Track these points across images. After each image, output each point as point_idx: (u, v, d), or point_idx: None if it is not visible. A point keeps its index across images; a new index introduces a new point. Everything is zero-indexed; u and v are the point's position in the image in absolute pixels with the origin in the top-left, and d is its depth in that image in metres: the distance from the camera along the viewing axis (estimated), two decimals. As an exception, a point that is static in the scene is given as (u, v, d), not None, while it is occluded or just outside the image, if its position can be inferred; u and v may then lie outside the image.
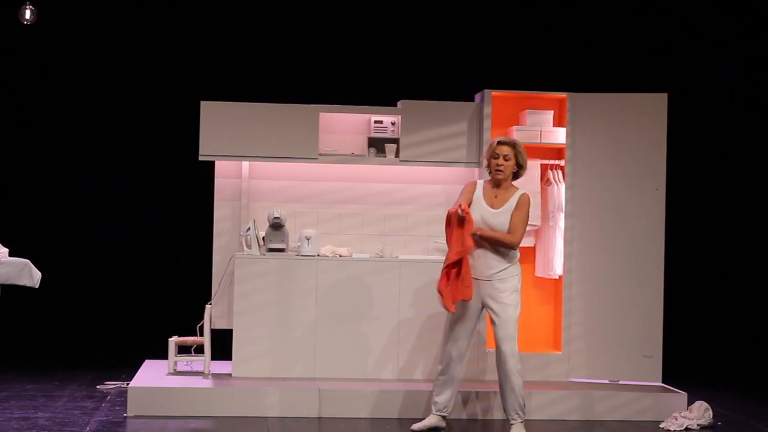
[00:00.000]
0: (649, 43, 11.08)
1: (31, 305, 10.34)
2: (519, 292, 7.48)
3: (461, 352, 7.57)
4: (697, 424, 7.92)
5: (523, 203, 7.43)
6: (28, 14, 9.24)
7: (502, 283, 7.42)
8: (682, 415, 7.99)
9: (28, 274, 7.13)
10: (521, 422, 7.46)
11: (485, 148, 8.38)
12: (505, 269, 7.43)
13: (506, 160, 7.45)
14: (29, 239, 9.58)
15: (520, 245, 8.81)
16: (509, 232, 7.39)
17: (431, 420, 7.62)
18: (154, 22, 10.74)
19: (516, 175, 7.53)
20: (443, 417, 7.64)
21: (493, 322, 7.48)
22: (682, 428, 7.88)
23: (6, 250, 7.16)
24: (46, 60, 10.82)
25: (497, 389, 7.87)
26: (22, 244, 7.99)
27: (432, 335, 8.54)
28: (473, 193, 7.53)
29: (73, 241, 10.89)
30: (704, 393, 8.70)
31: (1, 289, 7.17)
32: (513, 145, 7.47)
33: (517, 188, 7.50)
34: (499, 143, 7.48)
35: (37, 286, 7.21)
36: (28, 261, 7.16)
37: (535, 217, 8.85)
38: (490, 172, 7.54)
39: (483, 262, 7.44)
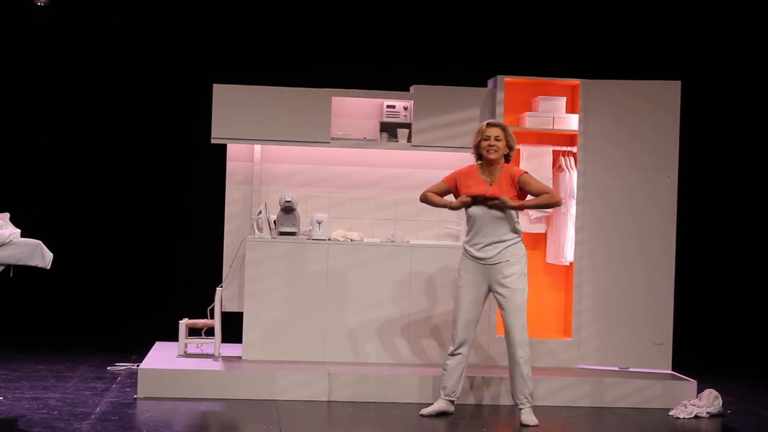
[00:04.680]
0: (663, 29, 11.03)
1: (43, 286, 10.37)
2: (526, 276, 7.50)
3: (469, 336, 7.58)
4: (707, 412, 7.91)
5: (528, 179, 7.44)
6: (42, -4, 9.23)
7: (509, 268, 7.42)
8: (692, 402, 7.99)
9: (39, 255, 7.13)
10: (530, 407, 7.47)
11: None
12: (511, 245, 7.42)
13: (497, 140, 7.47)
14: (41, 220, 9.61)
15: (526, 232, 8.91)
16: (544, 192, 7.42)
17: (439, 405, 7.64)
18: (166, 5, 10.74)
19: (507, 157, 7.53)
20: (452, 402, 7.65)
21: (501, 308, 7.50)
22: (692, 416, 7.87)
23: (18, 231, 7.17)
24: (59, 44, 10.82)
25: (506, 375, 7.90)
26: (34, 225, 8.01)
27: (442, 320, 8.55)
28: (456, 180, 7.61)
29: (85, 223, 10.91)
30: (714, 381, 8.70)
31: (12, 270, 7.19)
32: (502, 127, 7.53)
33: (508, 169, 7.50)
34: (489, 125, 7.53)
35: (48, 267, 7.21)
36: (40, 242, 7.17)
37: (546, 204, 8.85)
38: (479, 157, 7.54)
39: (490, 237, 7.44)
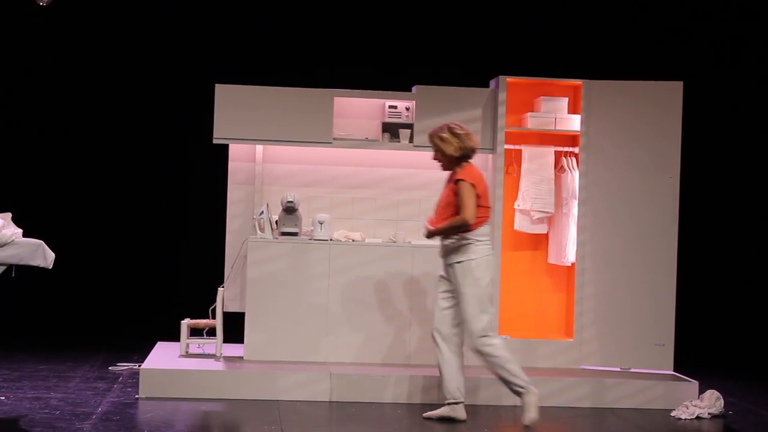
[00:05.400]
0: (665, 30, 11.03)
1: (45, 286, 10.37)
2: (479, 277, 7.31)
3: (443, 327, 7.49)
4: (708, 413, 7.91)
5: (459, 190, 7.32)
6: (44, -4, 9.22)
7: (456, 269, 7.36)
8: (693, 403, 7.98)
9: (41, 254, 7.13)
10: (527, 391, 7.33)
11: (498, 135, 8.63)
12: (459, 246, 7.33)
13: (436, 153, 7.49)
14: (41, 220, 9.60)
15: (528, 233, 8.91)
16: (458, 213, 7.33)
17: (440, 410, 7.54)
18: (166, 5, 10.74)
19: (460, 158, 7.41)
20: (454, 405, 7.50)
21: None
22: (693, 417, 7.87)
23: (20, 231, 7.16)
24: (59, 44, 10.82)
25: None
26: (35, 225, 8.00)
27: (444, 321, 8.54)
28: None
29: (86, 223, 10.91)
30: (716, 382, 8.69)
31: (14, 270, 7.18)
32: (430, 138, 7.51)
33: (457, 174, 7.40)
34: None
35: (50, 267, 7.21)
36: (42, 242, 7.17)
37: (548, 204, 8.85)
38: None
39: (443, 240, 7.45)
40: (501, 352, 7.37)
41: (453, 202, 7.36)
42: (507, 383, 7.41)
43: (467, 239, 7.35)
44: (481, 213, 7.35)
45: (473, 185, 7.32)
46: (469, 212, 7.26)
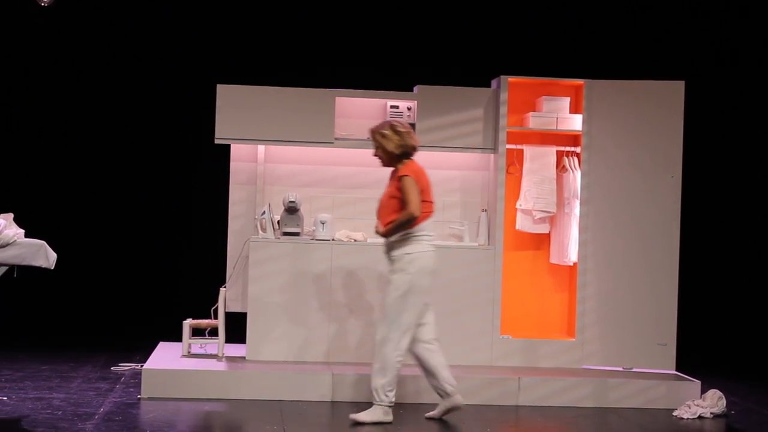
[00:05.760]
0: (666, 30, 11.03)
1: (47, 286, 10.36)
2: (413, 270, 7.27)
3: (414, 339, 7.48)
4: (711, 413, 7.91)
5: (402, 185, 7.29)
6: (45, -4, 9.21)
7: (391, 264, 7.35)
8: (696, 403, 7.99)
9: (43, 255, 7.13)
10: (377, 405, 7.33)
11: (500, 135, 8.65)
12: (396, 242, 7.30)
13: (377, 150, 7.47)
14: (41, 221, 9.59)
15: (530, 232, 8.90)
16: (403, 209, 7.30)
17: (441, 407, 7.54)
18: (166, 5, 10.73)
19: (401, 155, 7.40)
20: (450, 396, 7.46)
21: None
22: (696, 416, 7.87)
23: (22, 231, 7.16)
24: (59, 44, 10.81)
25: (509, 375, 7.92)
26: (35, 226, 8.00)
27: (445, 320, 8.52)
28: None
29: (89, 223, 10.90)
30: (718, 381, 8.69)
31: (16, 270, 7.18)
32: (372, 134, 7.49)
33: (399, 170, 7.39)
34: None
35: (52, 268, 7.21)
36: (44, 242, 7.17)
37: (550, 204, 8.85)
38: None
39: (385, 242, 7.43)
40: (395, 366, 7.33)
41: (397, 198, 7.33)
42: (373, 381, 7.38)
43: (407, 234, 7.32)
44: (424, 208, 7.34)
45: (416, 180, 7.32)
46: (414, 205, 7.24)
